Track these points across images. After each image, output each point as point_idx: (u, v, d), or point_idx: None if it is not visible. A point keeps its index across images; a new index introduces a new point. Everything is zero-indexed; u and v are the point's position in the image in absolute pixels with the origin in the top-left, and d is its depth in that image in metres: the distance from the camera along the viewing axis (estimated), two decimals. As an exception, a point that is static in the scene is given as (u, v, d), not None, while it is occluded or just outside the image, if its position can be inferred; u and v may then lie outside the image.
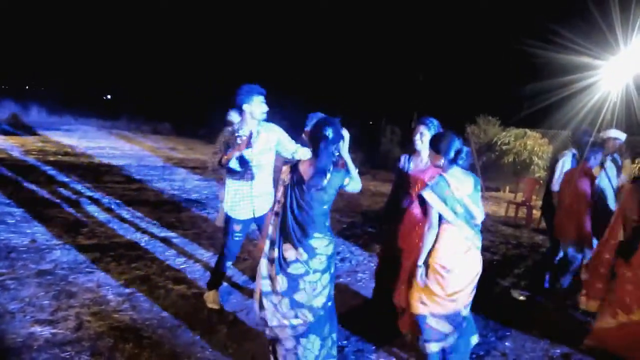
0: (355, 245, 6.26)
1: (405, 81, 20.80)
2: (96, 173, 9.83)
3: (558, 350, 3.80)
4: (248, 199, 3.78)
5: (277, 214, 2.78)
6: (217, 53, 24.30)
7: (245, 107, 3.66)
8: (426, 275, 3.02)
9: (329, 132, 2.72)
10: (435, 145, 3.08)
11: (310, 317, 2.73)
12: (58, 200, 7.11)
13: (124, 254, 5.08)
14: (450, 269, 2.97)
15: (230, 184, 3.79)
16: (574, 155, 4.98)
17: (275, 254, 2.75)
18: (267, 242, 2.80)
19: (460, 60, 19.25)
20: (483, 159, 13.78)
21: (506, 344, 3.85)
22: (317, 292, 2.74)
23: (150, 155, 13.81)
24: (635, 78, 11.42)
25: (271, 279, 2.76)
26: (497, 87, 17.63)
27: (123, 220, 6.41)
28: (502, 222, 8.87)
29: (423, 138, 3.67)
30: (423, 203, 3.09)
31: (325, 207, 2.76)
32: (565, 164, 4.89)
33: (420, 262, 3.04)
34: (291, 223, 2.72)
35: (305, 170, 2.74)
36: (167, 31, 25.82)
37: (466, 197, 2.99)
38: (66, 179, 8.77)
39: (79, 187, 8.21)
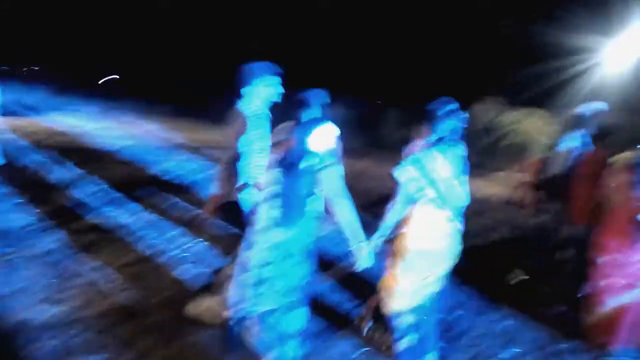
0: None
1: (410, 61, 20.60)
2: (97, 155, 9.85)
3: (557, 329, 3.83)
4: None
5: (275, 194, 2.76)
6: (218, 34, 24.07)
7: (257, 89, 3.38)
8: (399, 256, 2.90)
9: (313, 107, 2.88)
10: (431, 119, 2.97)
11: (292, 295, 2.78)
12: (61, 182, 7.14)
13: (123, 236, 5.11)
14: (427, 253, 2.86)
15: None
16: (583, 135, 4.84)
17: (271, 236, 2.74)
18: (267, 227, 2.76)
19: (463, 43, 19.03)
20: (487, 139, 13.73)
21: (506, 322, 3.89)
22: (296, 269, 2.76)
23: (152, 137, 13.80)
24: (638, 59, 11.29)
25: (268, 264, 2.75)
26: (500, 68, 17.46)
27: (122, 202, 6.43)
28: (506, 203, 8.86)
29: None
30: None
31: (309, 188, 2.76)
32: (570, 146, 4.78)
33: (376, 237, 2.93)
34: (283, 204, 2.73)
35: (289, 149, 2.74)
36: (170, 13, 25.58)
37: (451, 177, 2.87)
38: (67, 161, 8.79)
39: (79, 169, 8.23)
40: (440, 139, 2.93)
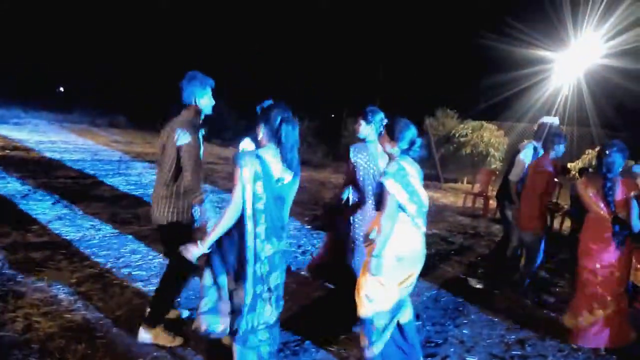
0: (318, 238, 6.25)
1: (366, 74, 20.93)
2: (48, 168, 9.43)
3: (514, 336, 3.91)
4: None
5: (257, 210, 2.62)
6: (170, 42, 23.70)
7: (198, 100, 3.30)
8: (383, 263, 2.88)
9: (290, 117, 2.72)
10: (392, 131, 3.02)
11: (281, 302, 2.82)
12: (7, 197, 6.78)
13: (76, 252, 4.89)
14: (405, 258, 2.92)
15: None
16: (534, 147, 5.03)
17: (269, 251, 2.67)
18: (259, 242, 2.64)
19: (419, 54, 19.51)
20: (441, 151, 14.05)
21: (464, 331, 3.94)
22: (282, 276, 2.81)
23: (105, 149, 13.37)
24: (585, 71, 11.86)
25: (263, 279, 2.66)
26: (455, 80, 17.97)
27: (76, 216, 6.18)
28: (460, 213, 9.07)
29: (359, 128, 3.75)
30: (380, 191, 2.95)
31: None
32: (527, 155, 4.94)
33: (377, 252, 2.86)
34: (273, 217, 2.67)
35: (272, 161, 2.66)
36: (120, 20, 25.01)
37: (418, 185, 2.96)
38: (16, 175, 8.37)
39: (29, 182, 7.85)
40: (406, 150, 3.00)
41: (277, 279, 2.72)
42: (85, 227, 5.74)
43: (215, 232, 2.61)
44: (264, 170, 2.60)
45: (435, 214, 8.38)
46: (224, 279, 2.70)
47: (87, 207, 6.65)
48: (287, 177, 2.70)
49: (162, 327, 3.32)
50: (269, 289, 2.69)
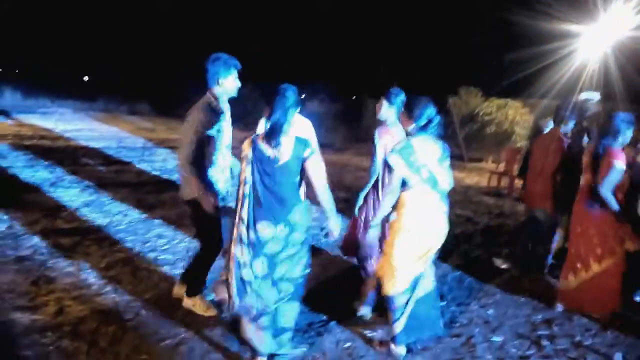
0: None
1: (388, 54, 20.62)
2: (74, 156, 9.63)
3: (540, 316, 3.86)
4: None
5: (244, 194, 2.71)
6: (190, 27, 23.74)
7: (221, 81, 3.29)
8: (395, 237, 3.03)
9: (288, 92, 2.71)
10: (409, 109, 3.09)
11: (291, 288, 2.79)
12: (35, 185, 6.96)
13: (104, 237, 5.00)
14: (418, 232, 2.99)
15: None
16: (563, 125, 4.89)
17: (253, 235, 2.71)
18: (241, 226, 2.72)
19: (442, 31, 19.10)
20: (465, 130, 13.83)
21: (489, 311, 3.90)
22: (295, 262, 2.77)
23: (129, 136, 13.57)
24: (614, 45, 11.45)
25: (250, 265, 2.72)
26: (478, 57, 17.56)
27: (103, 202, 6.31)
28: (485, 192, 8.94)
29: (381, 109, 3.67)
30: (389, 166, 3.07)
31: (296, 178, 2.75)
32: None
33: (375, 222, 3.13)
34: (268, 200, 2.68)
35: (264, 143, 2.69)
36: (144, 8, 25.13)
37: (433, 163, 2.98)
38: (44, 163, 8.57)
39: (56, 170, 8.04)
40: (423, 127, 3.03)
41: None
42: (112, 213, 5.86)
43: None
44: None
45: (459, 194, 8.29)
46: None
47: (114, 193, 6.77)
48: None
49: (200, 297, 3.55)
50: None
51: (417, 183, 2.96)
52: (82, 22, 26.13)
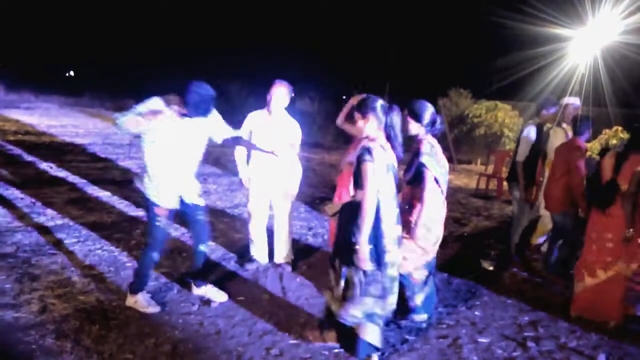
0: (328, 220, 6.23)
1: (378, 55, 20.68)
2: (59, 152, 9.51)
3: (526, 318, 3.88)
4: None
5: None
6: (176, 22, 23.60)
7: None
8: (425, 226, 3.34)
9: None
10: (415, 113, 3.33)
11: None
12: (19, 181, 6.85)
13: (89, 235, 4.93)
14: (437, 224, 3.40)
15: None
16: (538, 125, 4.91)
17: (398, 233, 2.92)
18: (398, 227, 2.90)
19: (432, 34, 19.20)
20: (454, 132, 13.89)
21: (476, 313, 3.91)
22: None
23: (116, 132, 13.43)
24: (602, 49, 11.57)
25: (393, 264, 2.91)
26: (468, 59, 17.67)
27: (88, 200, 6.23)
28: (473, 194, 8.99)
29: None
30: (419, 171, 3.32)
31: None
32: (530, 134, 4.82)
33: (420, 222, 3.33)
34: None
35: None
36: (130, 3, 24.92)
37: (443, 158, 3.37)
38: (28, 159, 8.45)
39: (41, 166, 7.93)
40: (431, 128, 3.37)
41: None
42: (97, 211, 5.79)
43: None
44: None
45: (448, 196, 8.30)
46: None
47: (99, 190, 6.69)
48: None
49: (142, 294, 3.51)
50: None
51: (441, 180, 3.32)
52: (68, 16, 25.82)
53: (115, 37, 25.62)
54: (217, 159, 9.73)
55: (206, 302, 3.69)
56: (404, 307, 3.50)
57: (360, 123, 2.83)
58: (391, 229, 2.82)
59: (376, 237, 2.76)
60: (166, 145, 3.30)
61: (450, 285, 4.45)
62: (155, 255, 3.49)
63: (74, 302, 3.51)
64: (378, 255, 2.78)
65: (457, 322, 3.72)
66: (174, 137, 3.30)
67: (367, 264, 2.75)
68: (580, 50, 11.81)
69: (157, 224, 3.42)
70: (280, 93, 4.09)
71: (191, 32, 22.01)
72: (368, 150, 2.70)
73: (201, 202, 3.59)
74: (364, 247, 2.72)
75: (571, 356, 3.34)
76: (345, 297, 2.90)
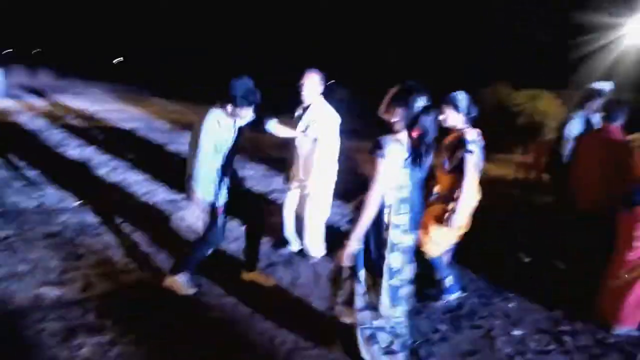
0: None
1: (416, 45, 20.29)
2: (105, 136, 9.84)
3: (562, 312, 3.78)
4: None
5: (400, 199, 2.57)
6: (223, 15, 23.78)
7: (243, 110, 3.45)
8: (459, 213, 3.38)
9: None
10: (454, 103, 3.37)
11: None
12: (67, 164, 7.14)
13: (132, 216, 5.10)
14: (469, 211, 3.48)
15: None
16: (584, 116, 4.65)
17: (411, 242, 2.69)
18: (396, 232, 2.59)
19: (474, 21, 18.67)
20: (495, 123, 13.55)
21: (510, 305, 3.85)
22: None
23: (160, 119, 13.75)
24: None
25: (402, 271, 2.68)
26: (510, 47, 17.13)
27: (132, 183, 6.43)
28: (512, 184, 8.78)
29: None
30: (462, 159, 3.31)
31: None
32: (572, 126, 4.58)
33: (459, 209, 3.34)
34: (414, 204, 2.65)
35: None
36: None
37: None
38: (75, 143, 8.78)
39: (87, 150, 8.23)
40: (470, 118, 3.42)
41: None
42: (140, 193, 5.97)
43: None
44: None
45: (489, 186, 8.15)
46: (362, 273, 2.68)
47: (143, 174, 6.89)
48: None
49: (180, 276, 3.55)
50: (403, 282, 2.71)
51: (480, 165, 3.41)
52: (115, 6, 26.45)
53: (163, 24, 26.06)
54: (254, 145, 9.84)
55: (241, 284, 3.77)
56: (437, 291, 3.68)
57: (389, 115, 2.56)
58: (397, 237, 2.59)
59: (377, 243, 2.60)
60: (225, 148, 3.49)
61: (485, 276, 4.38)
62: (209, 251, 3.60)
63: (115, 281, 3.67)
64: (375, 263, 2.61)
65: (490, 314, 3.67)
66: (231, 138, 3.52)
67: (345, 261, 2.61)
68: (629, 38, 11.29)
69: (217, 221, 3.51)
70: (312, 81, 4.09)
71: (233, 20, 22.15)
72: (380, 143, 2.46)
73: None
74: (351, 244, 2.57)
75: (610, 352, 3.24)
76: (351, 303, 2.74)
